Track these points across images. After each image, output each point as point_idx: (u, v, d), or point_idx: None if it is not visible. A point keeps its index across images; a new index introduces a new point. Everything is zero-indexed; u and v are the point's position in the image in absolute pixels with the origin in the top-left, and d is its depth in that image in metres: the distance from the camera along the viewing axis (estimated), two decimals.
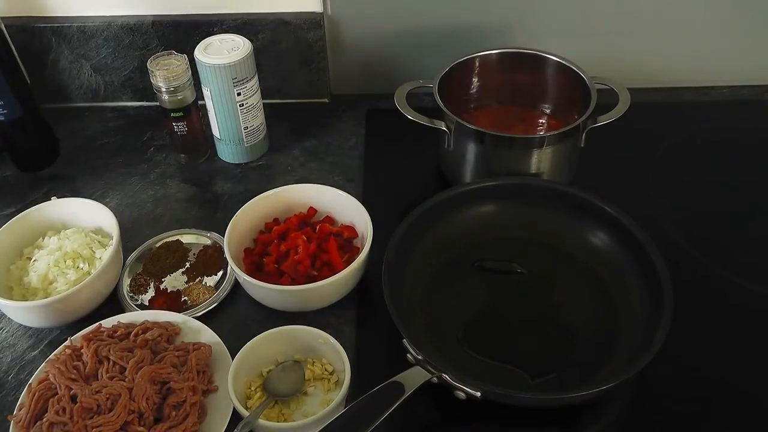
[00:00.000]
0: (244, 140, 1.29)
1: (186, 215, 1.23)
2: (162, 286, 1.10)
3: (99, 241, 1.11)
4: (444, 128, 1.16)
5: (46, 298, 1.03)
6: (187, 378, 0.94)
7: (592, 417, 0.95)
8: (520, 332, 1.02)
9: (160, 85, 1.21)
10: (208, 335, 1.01)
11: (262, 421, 0.89)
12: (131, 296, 1.09)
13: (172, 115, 1.25)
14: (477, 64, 1.25)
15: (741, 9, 1.34)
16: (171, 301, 1.08)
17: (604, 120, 1.13)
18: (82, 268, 1.07)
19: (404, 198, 1.17)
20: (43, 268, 1.07)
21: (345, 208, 1.13)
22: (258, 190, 1.15)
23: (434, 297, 1.05)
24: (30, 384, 0.95)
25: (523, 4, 1.33)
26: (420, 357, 0.89)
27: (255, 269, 1.08)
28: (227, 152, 1.31)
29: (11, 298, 1.05)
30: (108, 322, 1.02)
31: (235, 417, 0.91)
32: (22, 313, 1.04)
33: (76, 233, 1.11)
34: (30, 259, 1.10)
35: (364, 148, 1.34)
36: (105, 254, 1.08)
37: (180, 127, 1.26)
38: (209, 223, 1.19)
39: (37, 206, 1.14)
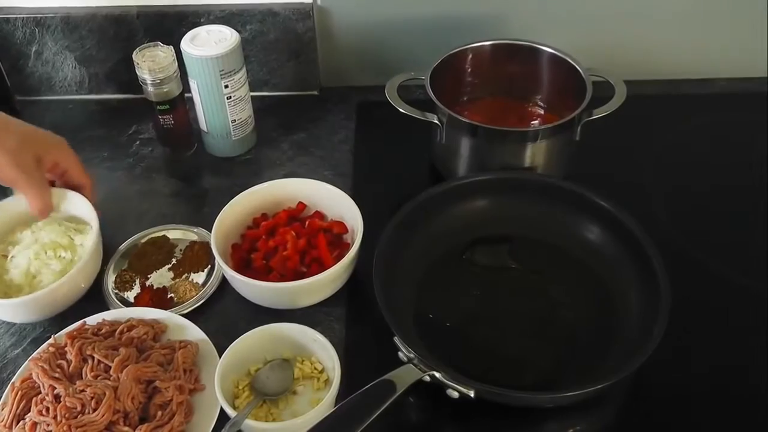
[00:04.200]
0: (232, 133, 1.27)
1: (172, 210, 1.21)
2: (148, 283, 1.09)
3: (75, 228, 1.09)
4: (436, 121, 1.15)
5: (31, 293, 1.01)
6: (173, 377, 0.93)
7: (589, 415, 0.95)
8: (514, 329, 1.01)
9: (146, 77, 1.20)
10: (194, 333, 1.00)
11: (250, 421, 0.88)
12: (116, 293, 1.08)
13: (158, 107, 1.24)
14: (470, 55, 1.24)
15: (739, 0, 1.34)
16: (157, 298, 1.07)
17: (599, 113, 1.12)
18: (64, 257, 1.06)
19: (396, 193, 1.16)
20: (24, 263, 1.05)
21: (335, 203, 1.12)
22: (246, 185, 1.14)
23: (426, 293, 1.04)
24: (13, 383, 0.94)
25: None
26: (411, 355, 0.89)
27: (243, 265, 1.07)
28: (214, 146, 1.30)
29: None
30: (92, 320, 1.01)
31: (223, 416, 0.90)
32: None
33: (48, 224, 1.09)
34: (6, 256, 1.08)
35: (354, 142, 1.33)
36: (87, 241, 1.06)
37: (166, 120, 1.25)
38: (196, 218, 1.18)
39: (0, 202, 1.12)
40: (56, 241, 1.06)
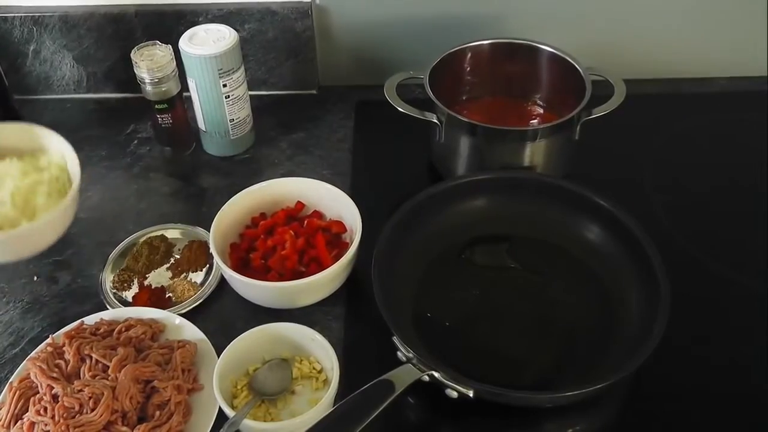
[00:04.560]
0: (230, 133, 1.27)
1: (170, 210, 1.21)
2: (146, 283, 1.09)
3: (27, 155, 1.07)
4: (435, 120, 1.14)
5: (35, 220, 0.99)
6: (171, 377, 0.93)
7: (588, 415, 0.94)
8: (514, 329, 1.00)
9: (144, 76, 1.19)
10: (193, 332, 0.99)
11: (248, 421, 0.88)
12: (114, 292, 1.07)
13: (156, 107, 1.23)
14: (469, 54, 1.24)
15: None
16: (155, 297, 1.07)
17: (599, 112, 1.12)
18: (42, 178, 1.03)
19: (394, 192, 1.16)
20: (8, 197, 1.01)
21: (333, 202, 1.11)
22: (244, 184, 1.14)
23: (425, 293, 1.04)
24: (11, 382, 0.93)
25: None
26: (410, 354, 0.89)
27: (241, 265, 1.07)
28: (213, 145, 1.30)
29: None
30: (90, 319, 1.01)
31: (221, 416, 0.89)
32: None
33: None
34: None
35: (353, 141, 1.33)
36: (52, 159, 1.04)
37: (164, 120, 1.25)
38: (194, 217, 1.18)
39: None
40: (23, 170, 1.03)
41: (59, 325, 1.01)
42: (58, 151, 1.04)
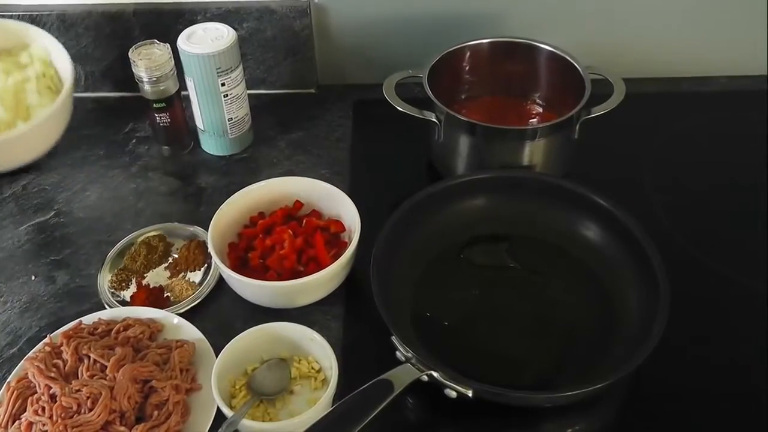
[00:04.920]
0: (229, 132, 1.27)
1: (169, 209, 1.21)
2: (144, 282, 1.09)
3: (4, 52, 1.03)
4: (434, 120, 1.14)
5: (30, 120, 0.96)
6: (169, 376, 0.92)
7: (588, 415, 0.94)
8: (513, 328, 1.00)
9: (142, 75, 1.19)
10: (191, 332, 0.99)
11: (246, 421, 0.87)
12: (112, 292, 1.07)
13: (154, 106, 1.23)
14: (468, 53, 1.24)
15: None
16: (153, 297, 1.07)
17: (598, 111, 1.12)
18: (29, 75, 0.99)
19: (393, 191, 1.16)
20: None
21: (332, 201, 1.11)
22: (243, 183, 1.14)
23: (424, 293, 1.03)
24: (8, 382, 0.93)
25: None
26: (409, 354, 0.88)
27: (239, 264, 1.07)
28: (211, 144, 1.29)
29: None
30: (88, 319, 1.01)
31: (219, 416, 0.89)
32: None
33: None
34: None
35: (351, 140, 1.32)
36: (34, 53, 1.00)
37: (162, 119, 1.25)
38: (193, 217, 1.18)
39: None
40: (4, 70, 1.00)
41: (57, 325, 1.00)
42: (40, 45, 0.99)
